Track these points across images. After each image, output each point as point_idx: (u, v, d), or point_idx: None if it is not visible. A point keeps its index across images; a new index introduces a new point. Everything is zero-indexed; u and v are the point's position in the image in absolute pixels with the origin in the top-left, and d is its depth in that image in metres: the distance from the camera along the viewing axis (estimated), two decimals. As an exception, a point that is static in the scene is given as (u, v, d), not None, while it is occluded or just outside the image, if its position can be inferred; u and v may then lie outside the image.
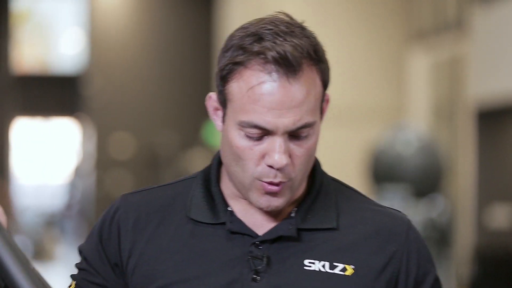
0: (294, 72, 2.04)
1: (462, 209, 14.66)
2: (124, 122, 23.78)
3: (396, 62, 17.35)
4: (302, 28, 2.14)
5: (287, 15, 2.16)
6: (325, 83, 2.13)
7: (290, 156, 2.07)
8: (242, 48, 2.06)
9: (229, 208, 2.16)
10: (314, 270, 2.11)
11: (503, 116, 14.59)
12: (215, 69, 2.16)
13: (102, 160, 24.33)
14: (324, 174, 2.24)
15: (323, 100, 2.15)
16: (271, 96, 2.04)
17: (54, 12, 27.90)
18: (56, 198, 28.09)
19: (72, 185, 27.35)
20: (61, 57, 28.15)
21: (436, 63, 16.52)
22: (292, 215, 2.15)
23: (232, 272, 2.11)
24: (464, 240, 14.51)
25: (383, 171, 9.71)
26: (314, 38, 2.15)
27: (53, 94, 27.66)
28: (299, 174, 2.10)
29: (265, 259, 2.11)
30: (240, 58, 2.06)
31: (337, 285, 2.11)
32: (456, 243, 9.75)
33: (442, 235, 9.07)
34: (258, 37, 2.06)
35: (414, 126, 11.49)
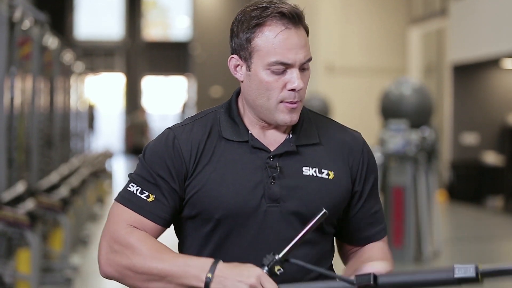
0: (298, 23, 2.04)
1: (444, 134, 14.68)
2: (213, 76, 23.67)
3: (400, 37, 17.14)
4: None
5: None
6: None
7: None
8: (256, 16, 2.04)
9: (249, 131, 2.13)
10: (309, 175, 2.10)
11: (470, 71, 14.48)
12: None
13: (200, 100, 24.58)
14: (304, 107, 2.18)
15: None
16: (290, 40, 2.02)
17: (171, 0, 27.90)
18: (172, 122, 28.08)
19: (182, 114, 27.46)
20: (175, 30, 28.17)
21: (426, 37, 16.31)
22: (290, 136, 2.13)
23: (256, 177, 2.08)
24: (445, 155, 14.62)
25: (390, 109, 9.49)
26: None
27: (169, 57, 27.63)
28: (304, 97, 2.09)
29: (278, 168, 2.08)
30: (257, 21, 2.03)
31: (324, 185, 2.11)
32: (440, 156, 9.85)
33: (431, 152, 9.00)
34: (264, 6, 2.04)
35: (412, 79, 11.51)
